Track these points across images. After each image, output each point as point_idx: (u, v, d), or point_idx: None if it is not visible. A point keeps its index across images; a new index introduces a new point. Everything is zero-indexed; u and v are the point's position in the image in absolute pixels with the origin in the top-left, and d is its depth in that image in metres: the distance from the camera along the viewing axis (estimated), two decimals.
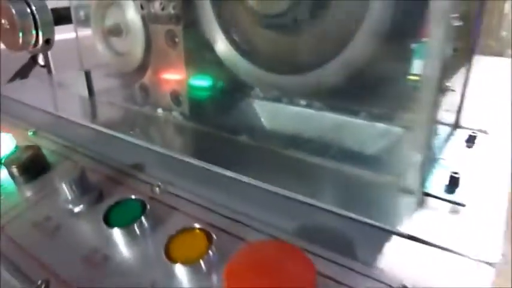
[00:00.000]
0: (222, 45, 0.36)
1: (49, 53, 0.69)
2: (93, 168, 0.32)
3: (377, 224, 0.24)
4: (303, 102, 0.40)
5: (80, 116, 0.43)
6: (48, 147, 0.36)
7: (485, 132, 0.36)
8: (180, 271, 0.21)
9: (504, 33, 1.75)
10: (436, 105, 0.25)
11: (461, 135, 0.35)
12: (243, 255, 0.20)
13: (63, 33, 0.53)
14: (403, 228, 0.24)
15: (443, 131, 0.36)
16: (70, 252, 0.25)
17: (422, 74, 0.24)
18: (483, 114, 0.41)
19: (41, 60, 0.75)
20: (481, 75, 0.56)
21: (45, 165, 0.33)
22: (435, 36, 0.23)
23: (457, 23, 0.24)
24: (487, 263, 0.21)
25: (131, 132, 0.37)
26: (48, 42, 0.45)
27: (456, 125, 0.37)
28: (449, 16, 0.23)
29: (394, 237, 0.23)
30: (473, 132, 0.35)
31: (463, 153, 0.32)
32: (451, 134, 0.35)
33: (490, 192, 0.27)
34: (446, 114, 0.37)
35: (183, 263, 0.21)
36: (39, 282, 0.23)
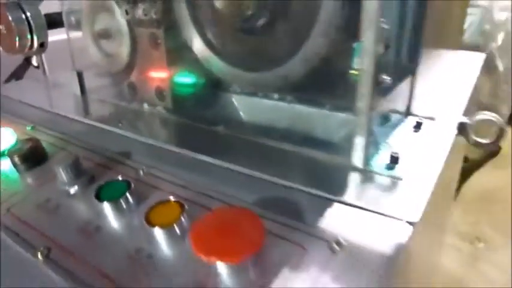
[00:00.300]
0: (198, 46, 0.41)
1: (42, 55, 0.73)
2: (86, 156, 0.37)
3: (325, 195, 0.29)
4: (276, 96, 0.45)
5: (74, 112, 0.47)
6: (45, 139, 0.40)
7: (432, 119, 0.41)
8: (158, 233, 0.26)
9: (487, 27, 1.79)
10: (372, 96, 0.30)
11: (411, 121, 0.40)
12: (207, 219, 0.25)
13: (55, 36, 0.58)
14: (346, 197, 0.29)
15: (395, 117, 0.40)
16: (68, 225, 0.29)
17: (359, 69, 0.29)
18: (438, 103, 0.45)
19: (34, 61, 0.79)
20: (445, 68, 0.61)
21: (44, 155, 0.37)
22: (367, 38, 0.28)
23: (386, 26, 0.28)
24: (408, 222, 0.26)
25: (120, 125, 0.42)
26: (42, 45, 0.50)
27: (407, 113, 0.42)
28: (378, 20, 0.27)
29: (337, 205, 0.28)
30: (420, 119, 0.40)
31: (408, 137, 0.37)
32: (401, 121, 0.40)
33: (425, 168, 0.32)
34: (398, 104, 0.42)
35: (160, 226, 0.25)
36: (42, 248, 0.27)
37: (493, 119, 0.47)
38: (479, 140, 0.48)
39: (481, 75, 1.83)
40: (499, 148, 1.91)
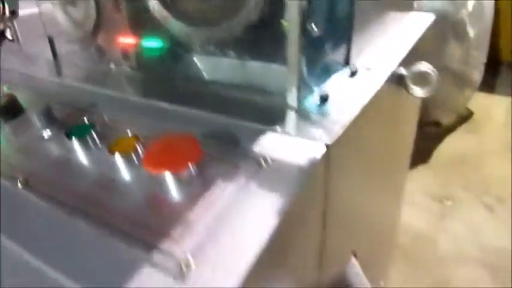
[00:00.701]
0: (156, 8, 0.45)
1: (17, 28, 0.76)
2: (58, 108, 0.41)
3: (260, 126, 0.35)
4: (232, 54, 0.49)
5: (47, 73, 0.51)
6: (21, 96, 0.44)
7: (368, 69, 0.47)
8: (118, 160, 0.31)
9: None
10: (300, 44, 0.35)
11: (347, 71, 0.45)
12: (156, 144, 0.30)
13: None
14: (277, 127, 0.34)
15: (333, 67, 0.45)
16: (44, 161, 0.34)
17: (287, 19, 0.34)
18: (377, 57, 0.51)
19: (8, 35, 0.81)
20: (393, 28, 0.66)
21: (20, 109, 0.42)
22: None
23: None
24: (325, 144, 0.32)
25: (88, 82, 0.46)
26: (13, 13, 0.53)
27: (346, 63, 0.47)
28: None
29: (270, 133, 0.34)
30: (356, 68, 0.45)
31: (343, 83, 0.43)
32: (339, 69, 0.45)
33: (350, 106, 0.37)
34: (337, 55, 0.47)
35: (120, 153, 0.31)
36: (20, 178, 0.32)
37: (428, 70, 0.53)
38: (417, 90, 0.54)
39: (452, 42, 1.86)
40: (471, 113, 2.00)
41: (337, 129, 0.33)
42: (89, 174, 0.32)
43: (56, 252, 0.27)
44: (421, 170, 1.63)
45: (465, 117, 2.01)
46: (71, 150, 0.34)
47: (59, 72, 0.52)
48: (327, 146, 0.32)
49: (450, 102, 1.84)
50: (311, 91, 0.39)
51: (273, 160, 0.30)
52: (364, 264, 0.52)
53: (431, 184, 1.59)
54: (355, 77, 0.44)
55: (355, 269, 0.52)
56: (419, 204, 1.47)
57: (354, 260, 0.52)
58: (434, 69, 0.53)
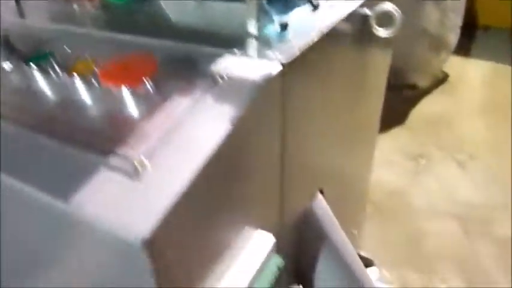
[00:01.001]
0: None
1: None
2: (20, 44, 0.41)
3: (219, 50, 0.35)
4: None
5: (9, 15, 0.50)
6: None
7: (332, 6, 0.47)
8: (77, 80, 0.31)
9: None
10: None
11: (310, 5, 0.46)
12: (114, 61, 0.30)
13: None
14: (235, 50, 0.35)
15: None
16: (6, 89, 0.35)
17: None
18: None
19: None
20: None
21: None
22: None
23: None
24: (281, 63, 0.33)
25: (50, 21, 0.46)
26: None
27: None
28: None
29: (228, 56, 0.35)
30: (318, 3, 0.46)
31: (304, 15, 0.43)
32: (302, 4, 0.46)
33: (308, 33, 0.38)
34: None
35: (78, 74, 0.31)
36: None
37: (392, 10, 0.54)
38: (381, 30, 0.55)
39: (429, 4, 1.85)
40: (447, 76, 2.04)
41: (294, 51, 0.34)
42: (50, 97, 0.32)
43: (23, 167, 0.28)
44: (398, 131, 1.67)
45: (441, 79, 2.04)
46: (31, 78, 0.34)
47: (21, 14, 0.51)
48: (283, 65, 0.33)
49: (426, 65, 1.86)
50: (271, 20, 0.40)
51: (229, 77, 0.31)
52: (334, 207, 0.53)
53: (407, 144, 1.63)
54: (317, 11, 0.45)
55: (322, 204, 0.54)
56: (395, 163, 1.51)
57: (320, 196, 0.54)
58: (398, 9, 0.54)
